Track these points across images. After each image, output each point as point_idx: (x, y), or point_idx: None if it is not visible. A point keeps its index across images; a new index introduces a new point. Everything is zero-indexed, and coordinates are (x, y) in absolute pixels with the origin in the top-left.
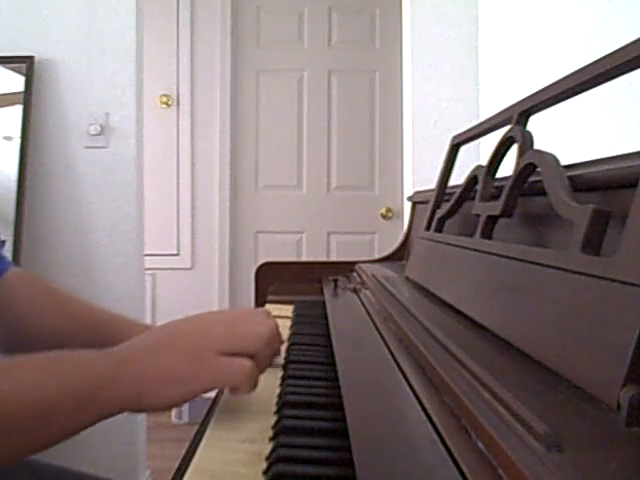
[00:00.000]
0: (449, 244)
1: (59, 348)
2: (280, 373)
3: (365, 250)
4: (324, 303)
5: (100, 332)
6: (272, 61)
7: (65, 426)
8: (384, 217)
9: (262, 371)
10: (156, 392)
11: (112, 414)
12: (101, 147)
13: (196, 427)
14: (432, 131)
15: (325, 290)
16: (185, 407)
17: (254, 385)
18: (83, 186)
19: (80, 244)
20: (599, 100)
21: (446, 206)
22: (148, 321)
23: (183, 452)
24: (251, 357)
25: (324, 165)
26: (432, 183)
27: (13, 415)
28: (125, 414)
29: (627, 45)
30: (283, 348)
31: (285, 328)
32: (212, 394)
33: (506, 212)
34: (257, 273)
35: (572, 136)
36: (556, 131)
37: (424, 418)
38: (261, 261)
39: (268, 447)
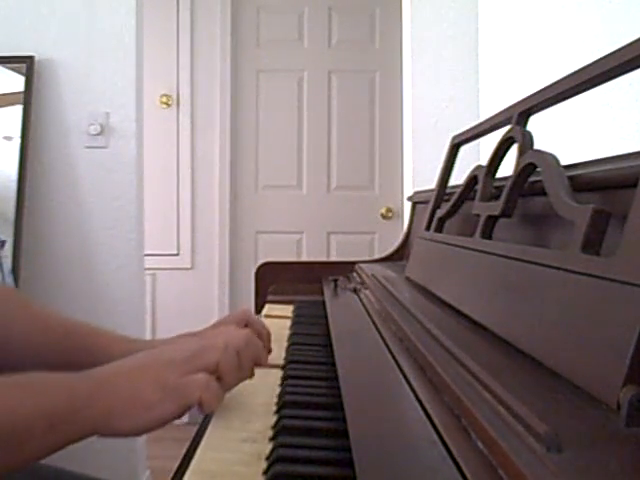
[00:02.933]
0: (449, 244)
1: (31, 359)
2: (280, 373)
3: (365, 250)
4: (324, 303)
5: (74, 343)
6: (272, 61)
7: (38, 447)
8: (384, 217)
9: (231, 380)
10: (125, 418)
11: (82, 437)
12: (101, 147)
13: (196, 427)
14: (432, 131)
15: (325, 290)
16: None
17: (216, 398)
18: (83, 186)
19: (80, 244)
20: (599, 100)
21: (446, 206)
22: (148, 321)
23: (183, 452)
24: (215, 371)
25: (324, 165)
26: (432, 183)
27: None
28: None
29: (627, 45)
30: (283, 348)
31: (285, 328)
32: None
33: (506, 212)
34: (257, 273)
35: (572, 136)
36: (556, 131)
37: (424, 418)
38: (261, 261)
39: (268, 447)
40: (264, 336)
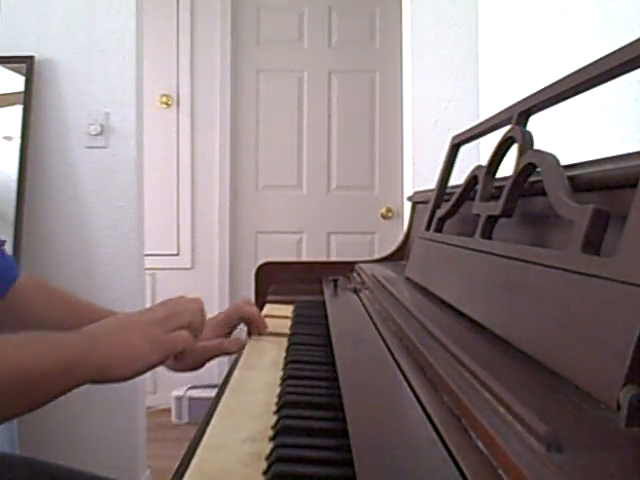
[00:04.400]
0: (449, 244)
1: None
2: (281, 373)
3: (365, 250)
4: (324, 303)
5: None
6: (272, 61)
7: (53, 390)
8: (384, 217)
9: (197, 335)
10: (121, 365)
11: (87, 382)
12: (101, 147)
13: (196, 427)
14: (432, 131)
15: (325, 290)
16: (185, 407)
17: (191, 350)
18: (83, 186)
19: (80, 244)
20: (599, 100)
21: (446, 206)
22: None
23: (183, 452)
24: (187, 327)
25: (324, 165)
26: (432, 183)
27: (10, 379)
28: (125, 414)
29: (627, 45)
30: (283, 348)
31: (285, 328)
32: (212, 394)
33: (506, 212)
34: (257, 273)
35: (572, 136)
36: (556, 131)
37: (424, 418)
38: (261, 261)
39: (268, 447)
40: (259, 323)
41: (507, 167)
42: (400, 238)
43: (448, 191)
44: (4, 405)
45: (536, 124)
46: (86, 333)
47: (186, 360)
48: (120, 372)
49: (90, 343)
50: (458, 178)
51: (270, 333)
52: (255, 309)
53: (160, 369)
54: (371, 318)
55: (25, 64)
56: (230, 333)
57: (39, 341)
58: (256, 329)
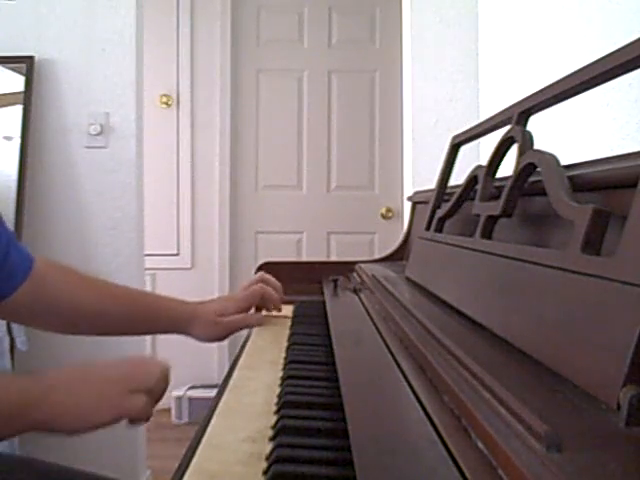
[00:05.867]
0: (449, 244)
1: (102, 327)
2: (281, 373)
3: (365, 250)
4: (324, 303)
5: (139, 309)
6: (272, 61)
7: None
8: (384, 217)
9: (155, 403)
10: (67, 421)
11: (30, 430)
12: (101, 147)
13: (196, 427)
14: (432, 131)
15: (325, 290)
16: (185, 407)
17: (148, 417)
18: (83, 186)
19: (80, 244)
20: (599, 100)
21: (446, 206)
22: None
23: (183, 452)
24: (146, 393)
25: (324, 165)
26: (432, 183)
27: None
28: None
29: (627, 45)
30: (283, 348)
31: (285, 328)
32: (212, 394)
33: (506, 212)
34: (257, 273)
35: (572, 136)
36: (556, 131)
37: (424, 418)
38: (261, 261)
39: (268, 447)
40: (278, 288)
41: (507, 167)
42: (400, 238)
43: (448, 191)
44: None
45: (536, 124)
46: (40, 380)
47: (212, 334)
48: (65, 427)
49: (40, 392)
50: (458, 178)
51: (283, 316)
52: (273, 293)
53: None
54: (371, 318)
55: (25, 64)
56: (249, 309)
57: None
58: (272, 307)
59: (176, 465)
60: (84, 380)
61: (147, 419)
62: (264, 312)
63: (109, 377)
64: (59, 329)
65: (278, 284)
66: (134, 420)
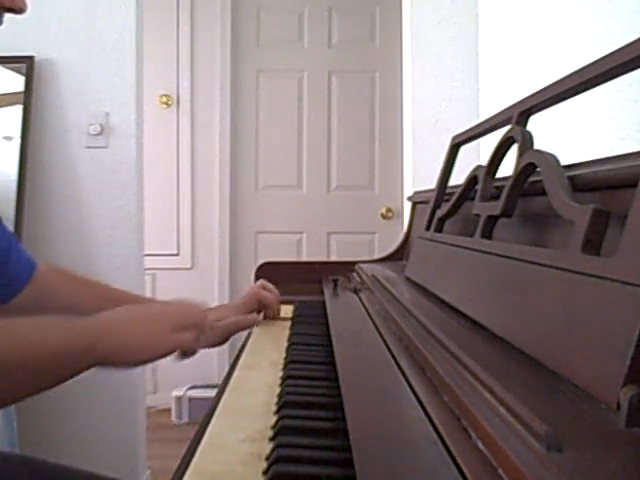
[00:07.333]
0: (449, 244)
1: None
2: (281, 373)
3: (365, 250)
4: (324, 303)
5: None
6: (272, 61)
7: (58, 374)
8: (384, 217)
9: (198, 340)
10: (126, 354)
11: (93, 366)
12: (101, 147)
13: (196, 427)
14: (432, 131)
15: (325, 290)
16: (185, 407)
17: (195, 350)
18: (83, 186)
19: (80, 244)
20: (599, 100)
21: (446, 206)
22: None
23: (183, 452)
24: (193, 329)
25: (324, 165)
26: (432, 183)
27: (19, 362)
28: (125, 414)
29: (627, 45)
30: (283, 348)
31: (285, 328)
32: (212, 394)
33: (506, 212)
34: (257, 273)
35: (572, 136)
36: (556, 131)
37: (424, 418)
38: (261, 261)
39: (268, 447)
40: (276, 294)
41: (507, 167)
42: (400, 238)
43: (448, 191)
44: (12, 387)
45: (536, 124)
46: (97, 320)
47: (209, 340)
48: (125, 361)
49: (99, 330)
50: (458, 178)
51: (282, 318)
52: (270, 295)
53: (161, 370)
54: (371, 318)
55: (25, 64)
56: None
57: (49, 325)
58: (271, 314)
59: (176, 465)
60: (138, 318)
61: (194, 352)
62: (261, 316)
63: (160, 315)
64: None
65: (275, 291)
66: (184, 352)
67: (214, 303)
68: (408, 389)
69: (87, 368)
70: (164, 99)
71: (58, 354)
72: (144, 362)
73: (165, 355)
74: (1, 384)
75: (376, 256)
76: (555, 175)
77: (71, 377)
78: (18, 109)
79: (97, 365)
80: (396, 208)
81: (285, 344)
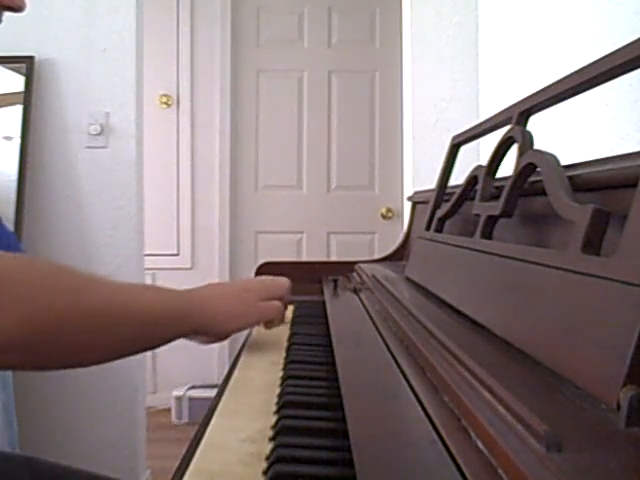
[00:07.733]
0: (449, 244)
1: None
2: (281, 373)
3: (365, 250)
4: (324, 303)
5: None
6: (272, 61)
7: (161, 336)
8: (384, 217)
9: (286, 308)
10: (222, 321)
11: (191, 332)
12: (101, 147)
13: (196, 427)
14: (432, 131)
15: (325, 290)
16: (185, 407)
17: (282, 319)
18: (83, 186)
19: (80, 244)
20: (599, 100)
21: (446, 206)
22: None
23: (183, 452)
24: (278, 299)
25: (324, 165)
26: (432, 183)
27: (130, 321)
28: (125, 414)
29: (627, 45)
30: (283, 348)
31: (285, 328)
32: (212, 394)
33: (506, 212)
34: (257, 273)
35: (572, 136)
36: (556, 131)
37: (424, 418)
38: (261, 261)
39: (268, 447)
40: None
41: (507, 167)
42: (400, 238)
43: (448, 191)
44: (121, 345)
45: (536, 124)
46: (193, 292)
47: (275, 323)
48: (221, 328)
49: (197, 300)
50: (458, 178)
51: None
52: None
53: (161, 370)
54: (371, 318)
55: (25, 64)
56: None
57: (155, 290)
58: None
59: (176, 465)
60: (228, 292)
61: (281, 321)
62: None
63: (247, 287)
64: None
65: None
66: (272, 321)
67: None
68: (408, 389)
69: (180, 336)
70: (164, 99)
71: (161, 315)
72: (234, 331)
73: (254, 324)
74: (105, 339)
75: (376, 256)
76: (555, 175)
77: (162, 344)
78: (18, 109)
79: (189, 333)
80: (396, 208)
81: (285, 344)
